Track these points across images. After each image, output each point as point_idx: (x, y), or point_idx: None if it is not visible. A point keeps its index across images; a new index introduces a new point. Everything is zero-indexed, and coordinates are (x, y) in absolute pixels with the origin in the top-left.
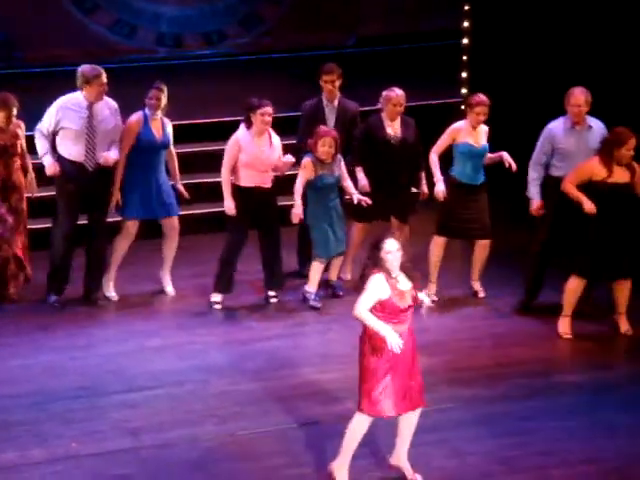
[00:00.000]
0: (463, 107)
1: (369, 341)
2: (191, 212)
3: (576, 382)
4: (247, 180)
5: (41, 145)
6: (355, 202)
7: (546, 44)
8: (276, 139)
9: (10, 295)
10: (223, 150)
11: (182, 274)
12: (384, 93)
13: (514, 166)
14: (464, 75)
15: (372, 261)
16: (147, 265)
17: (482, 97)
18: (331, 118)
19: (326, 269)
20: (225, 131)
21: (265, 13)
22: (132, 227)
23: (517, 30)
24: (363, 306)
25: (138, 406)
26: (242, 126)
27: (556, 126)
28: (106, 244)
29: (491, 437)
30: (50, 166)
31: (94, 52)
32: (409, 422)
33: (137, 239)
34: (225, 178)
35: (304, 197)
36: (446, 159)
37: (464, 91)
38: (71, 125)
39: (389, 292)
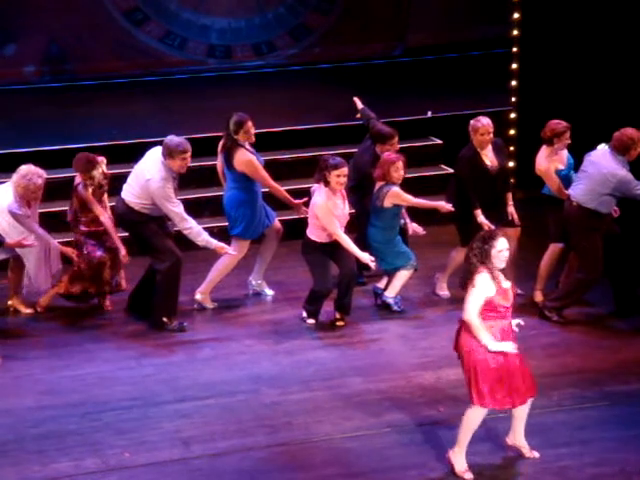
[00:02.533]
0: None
1: (474, 340)
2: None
3: (629, 391)
4: (326, 237)
5: (197, 231)
6: (410, 232)
7: (596, 52)
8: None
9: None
10: (274, 160)
11: (231, 282)
12: (471, 124)
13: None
14: (514, 83)
15: (479, 257)
16: (191, 276)
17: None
18: None
19: (371, 277)
20: (274, 141)
21: (314, 24)
22: (246, 247)
23: (566, 38)
24: (474, 309)
25: (190, 416)
26: (321, 188)
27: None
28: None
29: (546, 447)
30: (223, 246)
31: (144, 64)
32: (525, 405)
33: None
34: (342, 238)
35: (367, 216)
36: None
37: (514, 99)
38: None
39: (494, 290)
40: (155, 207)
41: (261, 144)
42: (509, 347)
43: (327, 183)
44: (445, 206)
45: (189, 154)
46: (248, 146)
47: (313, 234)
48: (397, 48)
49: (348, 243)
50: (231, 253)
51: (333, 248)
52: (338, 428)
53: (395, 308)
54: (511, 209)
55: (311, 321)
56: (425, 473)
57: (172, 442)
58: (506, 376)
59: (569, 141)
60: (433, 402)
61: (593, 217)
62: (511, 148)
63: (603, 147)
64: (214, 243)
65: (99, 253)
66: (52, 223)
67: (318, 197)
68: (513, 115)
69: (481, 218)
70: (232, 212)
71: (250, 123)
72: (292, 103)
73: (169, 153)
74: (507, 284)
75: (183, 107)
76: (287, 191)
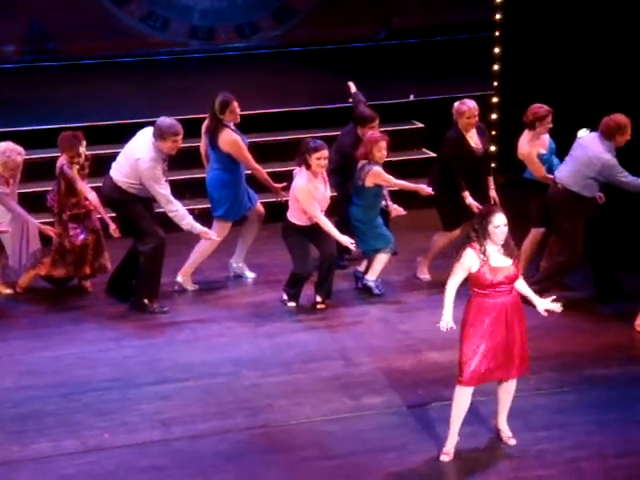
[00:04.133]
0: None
1: (467, 313)
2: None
3: (608, 375)
4: (306, 219)
5: (183, 214)
6: (393, 214)
7: (578, 36)
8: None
9: (84, 285)
10: (258, 142)
11: (211, 265)
12: (456, 106)
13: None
14: (496, 67)
15: (478, 234)
16: (174, 258)
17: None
18: None
19: (351, 261)
20: (257, 123)
21: (297, 5)
22: (228, 229)
23: (549, 22)
24: (451, 280)
25: (169, 398)
26: (302, 171)
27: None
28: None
29: (524, 430)
30: (207, 232)
31: (126, 44)
32: (506, 389)
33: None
34: (323, 221)
35: (348, 198)
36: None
37: (496, 84)
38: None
39: (478, 265)
40: (143, 187)
41: (243, 126)
42: (444, 324)
43: (308, 166)
44: (425, 189)
45: (180, 136)
46: (233, 126)
47: (293, 217)
48: (381, 31)
49: (328, 226)
50: (214, 239)
51: (313, 231)
52: (318, 411)
53: (376, 291)
54: (493, 193)
55: (292, 304)
56: (404, 456)
57: (152, 423)
58: (490, 353)
59: (551, 125)
60: (413, 385)
61: (577, 200)
62: (493, 132)
63: (584, 132)
64: (198, 228)
65: (82, 237)
66: (32, 204)
67: (299, 180)
68: (495, 99)
69: (469, 200)
70: (215, 193)
71: (236, 103)
72: (274, 85)
73: (160, 134)
74: (503, 262)
75: (165, 88)
76: (269, 174)
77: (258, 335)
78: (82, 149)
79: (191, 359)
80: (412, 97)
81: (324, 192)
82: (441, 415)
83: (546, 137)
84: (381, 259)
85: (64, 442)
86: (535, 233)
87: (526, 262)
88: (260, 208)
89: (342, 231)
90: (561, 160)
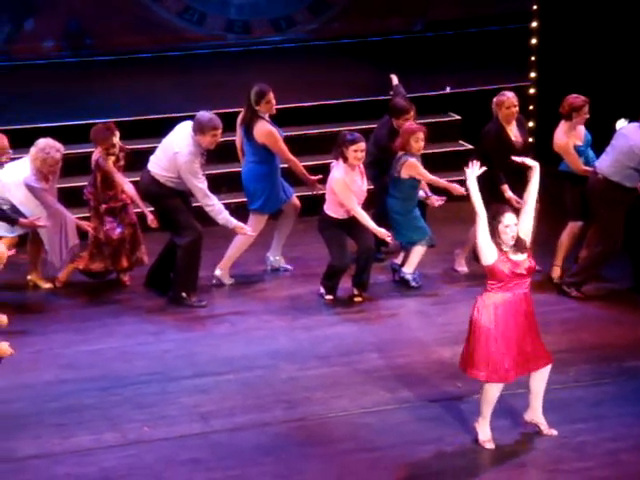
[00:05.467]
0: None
1: (479, 309)
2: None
3: None
4: (343, 212)
5: (219, 209)
6: (437, 205)
7: (616, 27)
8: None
9: (123, 279)
10: (295, 135)
11: (249, 259)
12: (495, 99)
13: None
14: (533, 59)
15: (490, 232)
16: (211, 252)
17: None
18: None
19: (389, 254)
20: (294, 117)
21: None
22: (264, 221)
23: (586, 13)
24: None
25: (208, 391)
26: (339, 164)
27: None
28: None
29: (563, 423)
30: (243, 227)
31: (163, 39)
32: (540, 378)
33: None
34: (359, 213)
35: (386, 190)
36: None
37: (533, 75)
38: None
39: (496, 257)
40: (180, 181)
41: (280, 119)
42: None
43: (345, 159)
44: (457, 188)
45: (220, 131)
46: (268, 118)
47: (330, 210)
48: (417, 23)
49: (365, 219)
50: (250, 234)
51: (350, 224)
52: (356, 403)
53: (413, 284)
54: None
55: (329, 297)
56: (442, 447)
57: (191, 417)
58: (506, 349)
59: (587, 115)
60: (451, 378)
61: (617, 190)
62: (530, 124)
63: (622, 122)
64: (233, 222)
65: (118, 230)
66: (71, 199)
67: (336, 172)
68: (532, 90)
69: (509, 193)
70: (251, 186)
71: (272, 94)
72: (310, 78)
73: (200, 128)
74: (519, 257)
75: (201, 83)
76: (305, 167)
77: (295, 328)
78: (116, 140)
79: (229, 352)
80: (448, 89)
81: (361, 185)
82: (477, 408)
83: (582, 129)
84: (418, 251)
85: (104, 435)
86: (572, 226)
87: (563, 255)
88: (296, 201)
89: (379, 223)
90: (597, 152)
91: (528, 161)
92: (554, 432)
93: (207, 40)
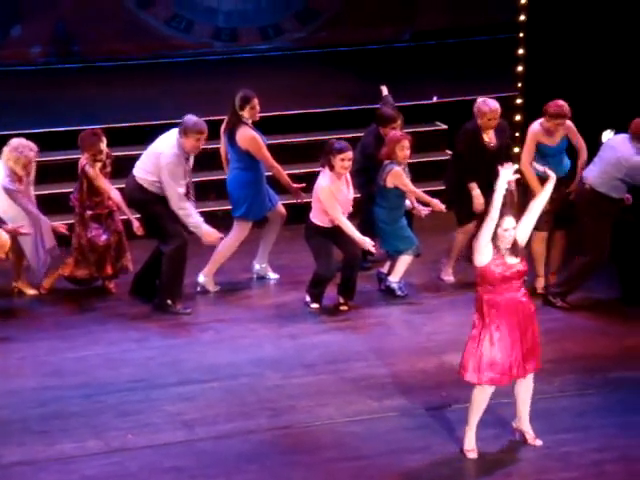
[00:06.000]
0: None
1: (476, 312)
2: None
3: (632, 378)
4: (328, 221)
5: (191, 213)
6: (423, 215)
7: (602, 37)
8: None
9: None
10: (282, 143)
11: (235, 267)
12: (479, 104)
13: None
14: (520, 69)
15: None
16: (197, 259)
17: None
18: None
19: (375, 262)
20: (281, 125)
21: (321, 7)
22: (248, 228)
23: (573, 23)
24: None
25: (193, 399)
26: (325, 172)
27: None
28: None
29: (547, 432)
30: (211, 234)
31: (150, 46)
32: (525, 388)
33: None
34: (343, 222)
35: (373, 199)
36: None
37: (520, 85)
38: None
39: (490, 258)
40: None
41: (267, 127)
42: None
43: (332, 167)
44: (438, 204)
45: (204, 136)
46: (251, 124)
47: (316, 218)
48: (405, 33)
49: (349, 227)
50: (217, 237)
51: (336, 233)
52: (341, 412)
53: (399, 293)
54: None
55: (315, 305)
56: (427, 456)
57: (175, 424)
58: (500, 352)
59: (557, 123)
60: (436, 387)
61: (604, 201)
62: (517, 134)
63: (608, 133)
64: (204, 228)
65: (104, 237)
66: (56, 205)
67: (322, 180)
68: (519, 100)
69: (476, 191)
70: (235, 193)
71: (256, 100)
72: (298, 87)
73: (184, 131)
74: (513, 260)
75: (189, 90)
76: (292, 175)
77: (281, 336)
78: (103, 146)
79: (214, 360)
80: (435, 98)
81: (347, 194)
82: (464, 417)
83: (561, 133)
84: (404, 260)
85: (88, 442)
86: (538, 235)
87: (542, 263)
88: (281, 209)
89: (364, 232)
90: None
91: (548, 172)
92: (539, 442)
93: (194, 48)
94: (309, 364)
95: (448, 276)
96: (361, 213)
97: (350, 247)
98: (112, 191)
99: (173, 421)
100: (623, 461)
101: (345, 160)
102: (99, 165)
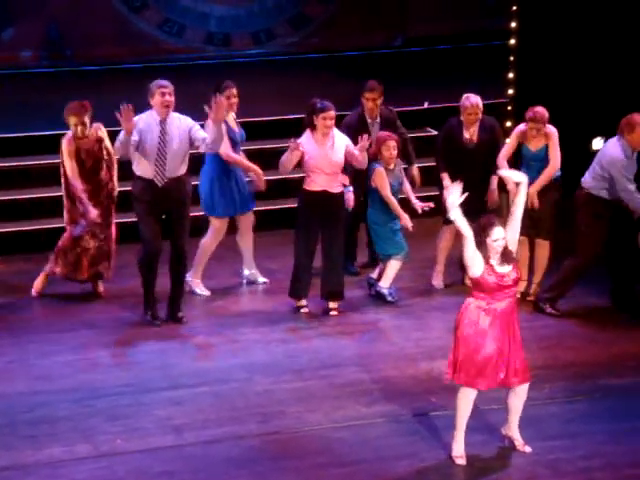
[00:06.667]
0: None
1: (464, 313)
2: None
3: (622, 385)
4: (314, 184)
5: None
6: (420, 211)
7: (594, 45)
8: (340, 139)
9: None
10: (270, 148)
11: (224, 271)
12: (462, 100)
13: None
14: (511, 76)
15: (479, 243)
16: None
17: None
18: (375, 132)
19: (364, 268)
20: (272, 130)
21: (313, 13)
22: (224, 226)
23: (564, 30)
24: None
25: (182, 403)
26: (307, 133)
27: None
28: (187, 266)
29: (536, 439)
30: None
31: (143, 51)
32: (518, 396)
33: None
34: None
35: (366, 201)
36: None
37: (510, 92)
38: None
39: (482, 269)
40: (142, 186)
41: (257, 132)
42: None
43: (313, 127)
44: (407, 223)
45: (168, 89)
46: (232, 117)
47: (305, 183)
48: (397, 39)
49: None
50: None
51: (325, 226)
52: (330, 417)
53: (389, 299)
54: (493, 191)
55: (305, 310)
56: (416, 462)
57: (164, 429)
58: (488, 358)
59: (531, 130)
60: (426, 392)
61: (599, 203)
62: (507, 140)
63: (599, 141)
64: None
65: (78, 230)
66: (45, 209)
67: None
68: (510, 107)
69: (446, 182)
70: (203, 189)
71: (234, 90)
72: (290, 92)
73: (150, 93)
74: (505, 268)
75: (180, 94)
76: (284, 179)
77: (271, 341)
78: (87, 120)
79: (204, 365)
80: (426, 104)
81: (331, 155)
82: (453, 423)
83: (539, 141)
84: (393, 266)
85: (77, 447)
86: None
87: (525, 268)
88: (250, 215)
89: (351, 233)
90: (571, 169)
91: (515, 176)
92: (528, 449)
93: (186, 52)
94: (299, 369)
95: (438, 282)
96: (351, 215)
97: (333, 244)
98: (76, 180)
99: (163, 426)
100: (611, 468)
101: (327, 119)
102: (80, 143)
